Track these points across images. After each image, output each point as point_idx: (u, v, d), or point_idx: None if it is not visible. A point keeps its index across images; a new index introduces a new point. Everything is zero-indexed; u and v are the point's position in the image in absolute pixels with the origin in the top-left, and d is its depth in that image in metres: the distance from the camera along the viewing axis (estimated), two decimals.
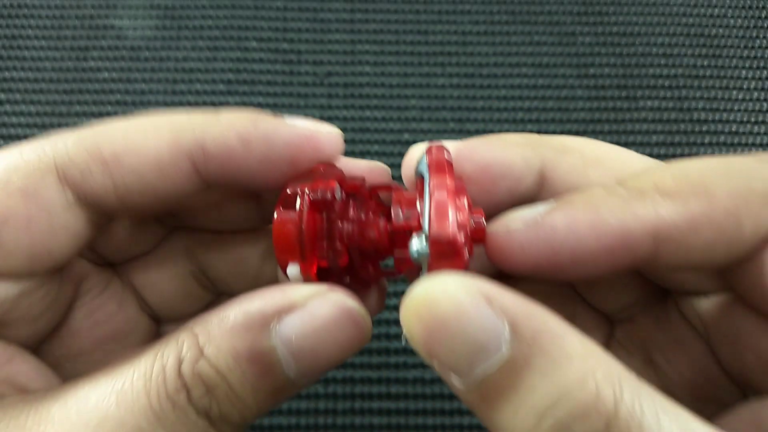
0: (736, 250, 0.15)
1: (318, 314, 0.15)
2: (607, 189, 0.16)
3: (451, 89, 0.40)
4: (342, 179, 0.18)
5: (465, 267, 0.15)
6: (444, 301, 0.13)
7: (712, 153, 0.38)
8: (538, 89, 0.40)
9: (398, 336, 0.34)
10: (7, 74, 0.40)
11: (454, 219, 0.15)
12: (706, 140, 0.39)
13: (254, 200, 0.21)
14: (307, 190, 0.17)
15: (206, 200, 0.20)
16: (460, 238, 0.15)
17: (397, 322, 0.35)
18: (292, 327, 0.15)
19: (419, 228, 0.16)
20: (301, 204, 0.16)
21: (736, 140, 0.39)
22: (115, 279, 0.22)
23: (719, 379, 0.19)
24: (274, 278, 0.22)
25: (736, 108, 0.40)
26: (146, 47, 0.41)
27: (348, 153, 0.19)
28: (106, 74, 0.40)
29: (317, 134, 0.18)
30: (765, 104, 0.40)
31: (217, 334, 0.15)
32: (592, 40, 0.41)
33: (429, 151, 0.17)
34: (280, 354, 0.15)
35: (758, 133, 0.39)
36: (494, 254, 0.17)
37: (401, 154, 0.38)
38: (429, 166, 0.16)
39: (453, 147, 0.18)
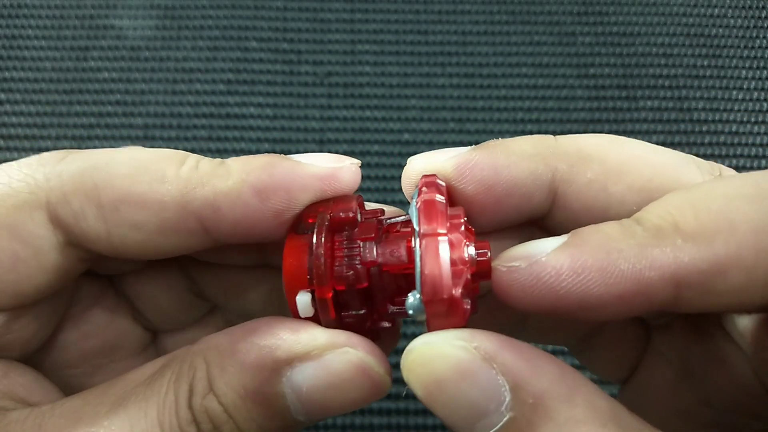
0: None
1: (333, 369, 0.14)
2: (623, 227, 0.14)
3: (451, 89, 0.40)
4: (361, 204, 0.17)
5: (464, 322, 0.14)
6: (441, 363, 0.13)
7: (712, 153, 0.38)
8: (538, 89, 0.40)
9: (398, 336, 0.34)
10: (7, 74, 0.40)
11: (447, 274, 0.14)
12: (706, 140, 0.39)
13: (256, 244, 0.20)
14: (323, 212, 0.15)
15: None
16: (457, 292, 0.14)
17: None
18: (304, 378, 0.14)
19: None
20: (318, 225, 0.15)
21: (736, 140, 0.39)
22: (109, 290, 0.21)
23: (762, 397, 0.17)
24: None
25: (736, 108, 0.39)
26: (146, 47, 0.41)
27: (348, 153, 0.19)
28: (106, 74, 0.40)
29: (337, 172, 0.17)
30: (765, 104, 0.40)
31: (228, 369, 0.14)
32: (592, 40, 0.41)
33: (420, 189, 0.15)
34: (289, 400, 0.14)
35: (758, 133, 0.39)
36: (499, 291, 0.15)
37: (401, 154, 0.38)
38: (419, 212, 0.15)
39: (453, 164, 0.16)
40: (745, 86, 0.40)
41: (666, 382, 0.19)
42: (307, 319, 0.15)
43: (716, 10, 0.42)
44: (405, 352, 0.14)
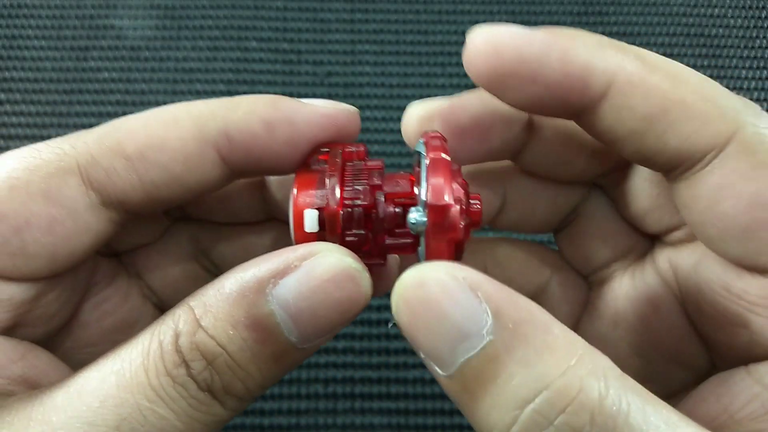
0: (678, 138, 0.15)
1: (314, 274, 0.14)
2: (593, 36, 0.16)
3: (451, 89, 0.40)
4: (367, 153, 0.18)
5: (461, 238, 0.15)
6: (430, 286, 0.13)
7: None
8: None
9: (399, 336, 0.34)
10: (7, 74, 0.40)
11: (450, 189, 0.15)
12: None
13: (260, 193, 0.21)
14: (335, 148, 0.17)
15: (213, 193, 0.20)
16: (456, 209, 0.15)
17: None
18: (288, 289, 0.14)
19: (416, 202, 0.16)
20: (332, 156, 0.17)
21: None
22: (121, 270, 0.22)
23: (691, 343, 0.18)
24: None
25: None
26: (146, 47, 0.41)
27: None
28: (106, 74, 0.40)
29: (338, 113, 0.18)
30: (765, 104, 0.40)
31: (213, 304, 0.14)
32: None
33: (426, 134, 0.17)
34: (278, 318, 0.14)
35: None
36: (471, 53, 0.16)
37: (401, 154, 0.38)
38: (426, 145, 0.16)
39: (448, 102, 0.19)
40: (745, 86, 0.40)
41: (600, 335, 0.20)
42: (309, 236, 0.16)
43: (716, 10, 0.42)
44: (396, 282, 0.14)
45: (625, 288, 0.20)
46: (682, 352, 0.19)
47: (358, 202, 0.16)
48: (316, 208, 0.16)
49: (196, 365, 0.14)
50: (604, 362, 0.13)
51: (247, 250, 0.22)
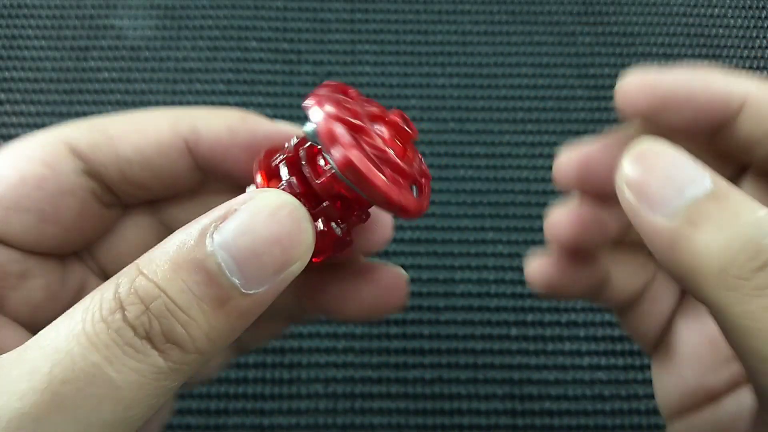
0: None
1: (252, 211, 0.15)
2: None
3: (451, 89, 0.40)
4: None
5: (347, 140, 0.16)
6: (663, 148, 0.17)
7: None
8: (538, 89, 0.40)
9: (399, 336, 0.34)
10: (7, 74, 0.40)
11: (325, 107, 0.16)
12: None
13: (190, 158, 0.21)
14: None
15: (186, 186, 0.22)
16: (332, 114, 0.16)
17: (396, 323, 0.35)
18: (228, 229, 0.14)
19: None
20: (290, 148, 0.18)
21: None
22: (90, 262, 0.22)
23: None
24: None
25: None
26: (146, 47, 0.41)
27: None
28: (106, 74, 0.40)
29: (291, 133, 0.20)
30: None
31: (157, 255, 0.14)
32: (592, 40, 0.41)
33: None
34: (219, 258, 0.14)
35: None
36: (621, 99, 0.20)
37: None
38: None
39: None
40: None
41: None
42: None
43: (716, 10, 0.42)
44: (629, 149, 0.17)
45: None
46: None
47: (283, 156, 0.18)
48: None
49: (132, 309, 0.14)
50: None
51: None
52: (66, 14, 0.42)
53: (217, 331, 0.14)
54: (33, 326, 0.19)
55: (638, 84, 0.20)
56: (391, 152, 0.17)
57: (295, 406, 0.33)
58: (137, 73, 0.40)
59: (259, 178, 0.18)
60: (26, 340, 0.18)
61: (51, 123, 0.39)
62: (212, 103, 0.39)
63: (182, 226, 0.17)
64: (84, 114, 0.39)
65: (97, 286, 0.20)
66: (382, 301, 0.22)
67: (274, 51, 0.41)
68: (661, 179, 0.16)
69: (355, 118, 0.16)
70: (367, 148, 0.16)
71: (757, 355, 0.15)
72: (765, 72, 0.40)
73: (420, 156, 0.19)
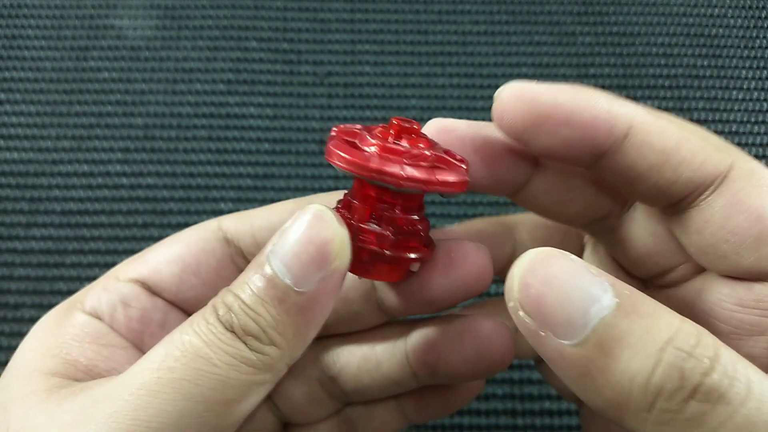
0: (689, 174, 0.18)
1: (297, 224, 0.17)
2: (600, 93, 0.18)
3: (451, 89, 0.40)
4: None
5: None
6: (554, 262, 0.15)
7: None
8: None
9: None
10: (7, 74, 0.40)
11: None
12: None
13: (372, 297, 0.22)
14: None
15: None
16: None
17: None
18: (280, 244, 0.17)
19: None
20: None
21: (736, 140, 0.39)
22: None
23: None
24: (399, 366, 0.23)
25: (736, 108, 0.40)
26: (146, 47, 0.41)
27: None
28: (106, 74, 0.40)
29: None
30: (765, 104, 0.40)
31: (238, 281, 0.18)
32: (592, 40, 0.41)
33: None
34: (273, 264, 0.17)
35: (758, 133, 0.39)
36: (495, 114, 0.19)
37: None
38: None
39: (472, 125, 0.20)
40: (745, 86, 0.40)
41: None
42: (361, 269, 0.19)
43: (716, 10, 0.42)
44: (515, 266, 0.16)
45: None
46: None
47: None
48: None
49: (221, 309, 0.17)
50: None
51: (368, 358, 0.23)
52: (66, 14, 0.42)
53: (283, 325, 0.17)
54: None
55: (514, 97, 0.18)
56: (372, 141, 0.18)
57: None
58: (137, 73, 0.40)
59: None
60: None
61: (51, 123, 0.39)
62: (212, 104, 0.39)
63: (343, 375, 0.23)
64: (84, 114, 0.39)
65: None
66: (484, 353, 0.21)
67: (274, 51, 0.41)
68: (559, 301, 0.14)
69: (351, 135, 0.19)
70: (358, 143, 0.18)
71: None
72: (765, 72, 0.40)
73: (438, 145, 0.19)
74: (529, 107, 0.18)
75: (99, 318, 0.21)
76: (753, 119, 0.39)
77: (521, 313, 0.15)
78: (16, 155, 0.38)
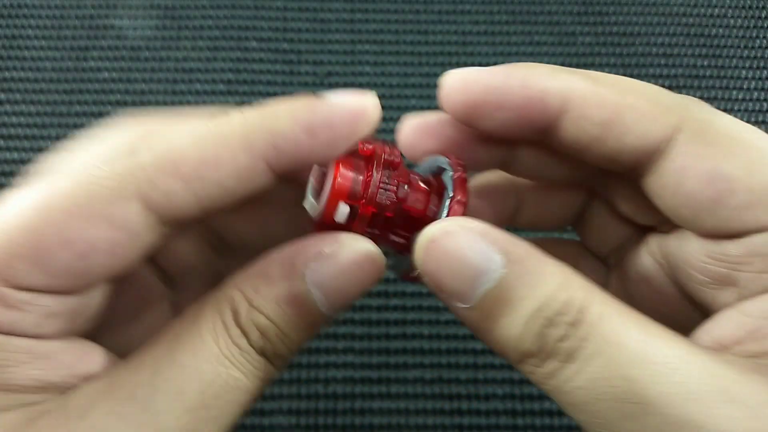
0: (634, 141, 0.18)
1: (343, 259, 0.18)
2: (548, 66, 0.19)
3: None
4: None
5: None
6: (449, 237, 0.17)
7: None
8: None
9: (399, 336, 0.34)
10: (7, 74, 0.40)
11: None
12: None
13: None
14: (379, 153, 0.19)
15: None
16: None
17: (396, 323, 0.35)
18: (322, 272, 0.18)
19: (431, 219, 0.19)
20: (377, 160, 0.19)
21: None
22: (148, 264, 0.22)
23: (684, 308, 0.21)
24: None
25: (736, 108, 0.40)
26: (146, 47, 0.41)
27: None
28: (106, 74, 0.40)
29: (365, 107, 0.21)
30: (765, 104, 0.40)
31: (262, 288, 0.18)
32: (592, 40, 0.41)
33: (454, 165, 0.19)
34: (314, 296, 0.18)
35: None
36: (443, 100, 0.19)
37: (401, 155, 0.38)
38: (454, 182, 0.19)
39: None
40: (745, 86, 0.40)
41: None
42: (333, 227, 0.19)
43: (716, 10, 0.42)
44: (419, 237, 0.17)
45: (628, 271, 0.23)
46: (677, 318, 0.21)
47: (385, 206, 0.19)
48: (349, 204, 0.18)
49: (254, 336, 0.17)
50: (587, 281, 0.16)
51: (261, 224, 0.23)
52: (66, 14, 0.42)
53: (305, 342, 0.18)
54: (96, 327, 0.20)
55: (454, 84, 0.19)
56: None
57: (295, 406, 0.33)
58: (137, 73, 0.40)
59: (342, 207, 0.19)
60: (100, 351, 0.19)
61: (51, 123, 0.39)
62: (212, 104, 0.39)
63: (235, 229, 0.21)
64: (84, 114, 0.39)
65: (155, 285, 0.22)
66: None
67: (274, 51, 0.41)
68: (451, 274, 0.17)
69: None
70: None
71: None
72: (765, 72, 0.40)
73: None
74: (465, 94, 0.19)
75: None
76: (753, 119, 0.39)
77: (426, 279, 0.17)
78: (16, 155, 0.38)
